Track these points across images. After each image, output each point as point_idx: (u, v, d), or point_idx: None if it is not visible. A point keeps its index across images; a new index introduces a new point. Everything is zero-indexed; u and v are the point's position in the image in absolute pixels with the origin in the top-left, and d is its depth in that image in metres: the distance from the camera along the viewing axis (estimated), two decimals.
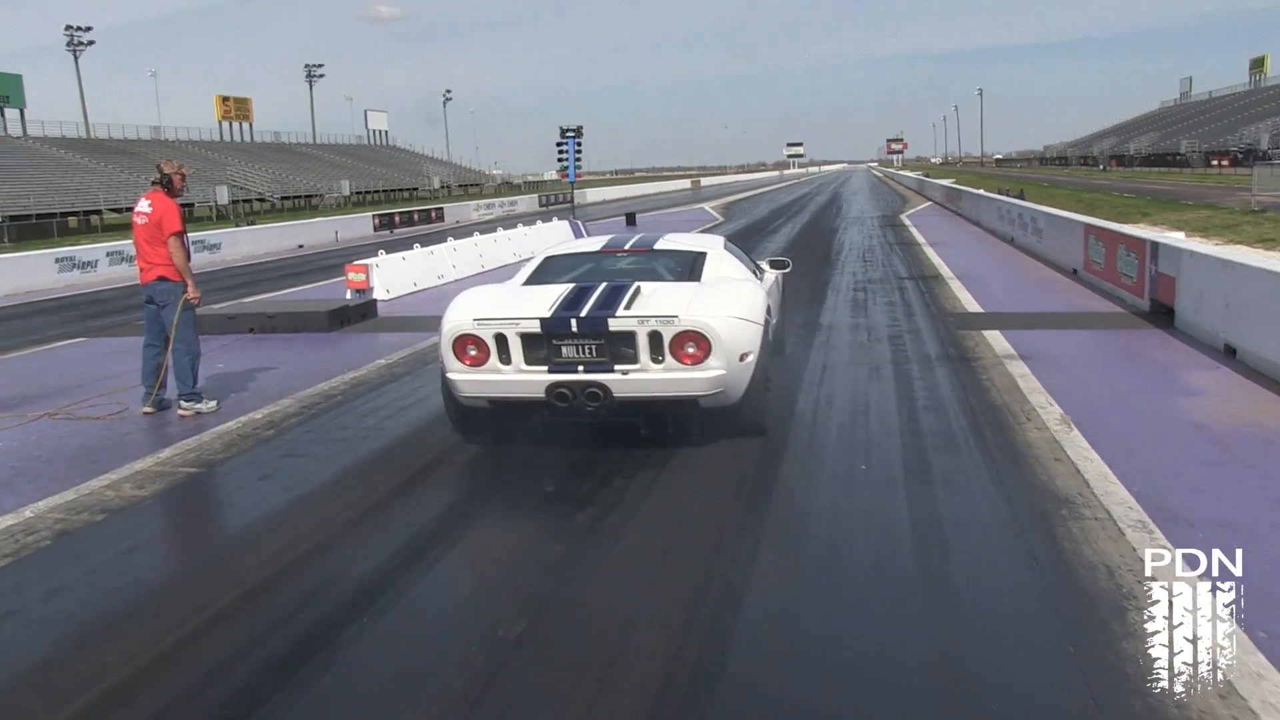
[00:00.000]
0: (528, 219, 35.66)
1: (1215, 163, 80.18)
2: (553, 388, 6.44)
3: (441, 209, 50.08)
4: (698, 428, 6.89)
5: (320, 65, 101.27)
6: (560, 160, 31.79)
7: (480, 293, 7.47)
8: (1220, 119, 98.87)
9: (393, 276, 16.55)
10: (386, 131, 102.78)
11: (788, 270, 9.90)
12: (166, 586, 4.98)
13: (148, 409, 8.44)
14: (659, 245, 8.52)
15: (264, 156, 79.61)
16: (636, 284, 7.04)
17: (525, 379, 6.51)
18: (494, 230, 24.47)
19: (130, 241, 9.38)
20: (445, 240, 19.79)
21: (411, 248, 18.81)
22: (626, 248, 8.49)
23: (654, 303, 6.67)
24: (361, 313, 13.79)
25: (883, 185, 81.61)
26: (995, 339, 10.52)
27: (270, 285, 20.72)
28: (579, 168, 32.15)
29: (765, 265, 9.56)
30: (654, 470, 6.42)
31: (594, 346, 6.44)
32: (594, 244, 8.77)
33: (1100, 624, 4.13)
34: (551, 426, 7.01)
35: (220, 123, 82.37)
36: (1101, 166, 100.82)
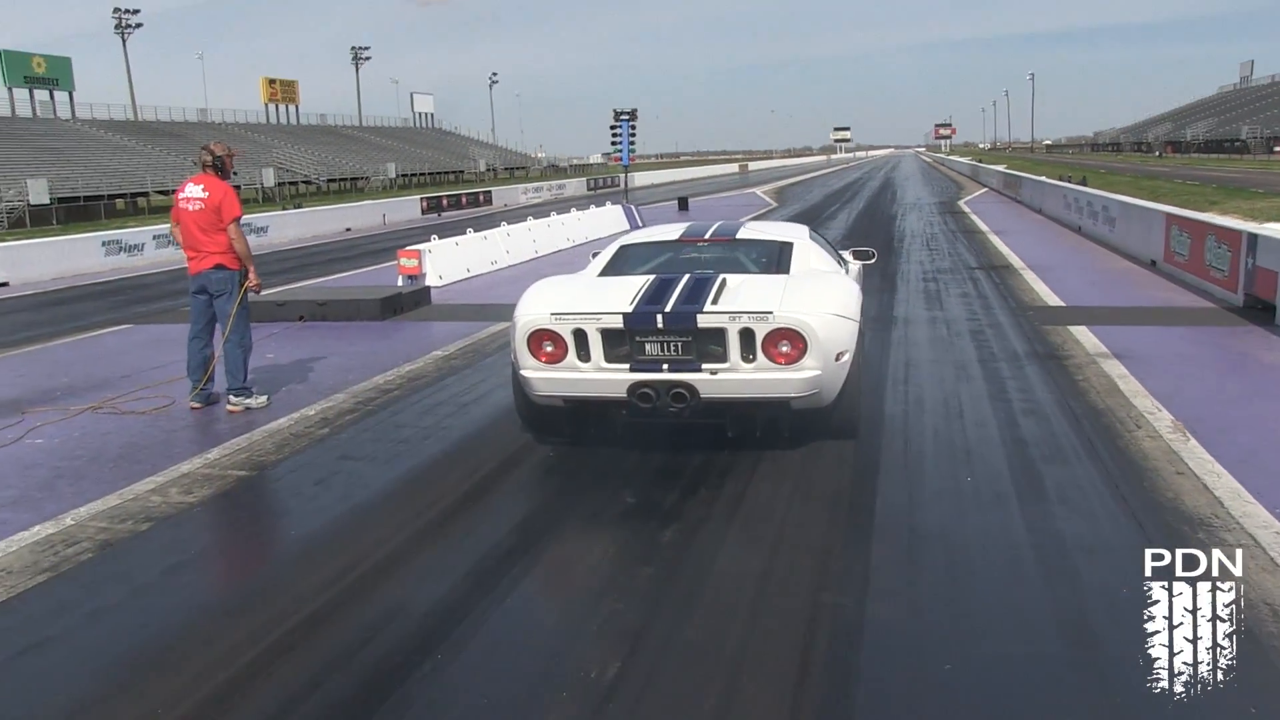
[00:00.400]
0: (577, 203, 35.26)
1: (1278, 149, 78.09)
2: (635, 387, 6.03)
3: (489, 192, 49.81)
4: (787, 430, 6.48)
5: (367, 48, 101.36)
6: (614, 144, 31.23)
7: (555, 284, 7.05)
8: None
9: (446, 262, 16.14)
10: (432, 114, 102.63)
11: (872, 261, 9.41)
12: (217, 611, 4.54)
13: (194, 404, 8.06)
14: (741, 234, 8.07)
15: (310, 139, 79.74)
16: (722, 276, 6.59)
17: (606, 378, 6.10)
18: (546, 215, 24.01)
19: (169, 226, 8.87)
20: (499, 225, 19.35)
21: (463, 232, 18.36)
22: (707, 237, 8.01)
23: (743, 297, 6.23)
24: (415, 300, 13.38)
25: (934, 171, 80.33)
26: (1083, 335, 9.91)
27: (319, 270, 20.40)
28: (633, 151, 31.60)
29: (849, 256, 9.05)
30: (741, 480, 5.94)
31: (680, 344, 6.03)
32: (671, 232, 8.32)
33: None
34: (629, 427, 6.59)
35: (266, 105, 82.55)
36: (1158, 153, 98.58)
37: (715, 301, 6.12)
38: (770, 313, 5.96)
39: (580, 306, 6.20)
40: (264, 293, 8.45)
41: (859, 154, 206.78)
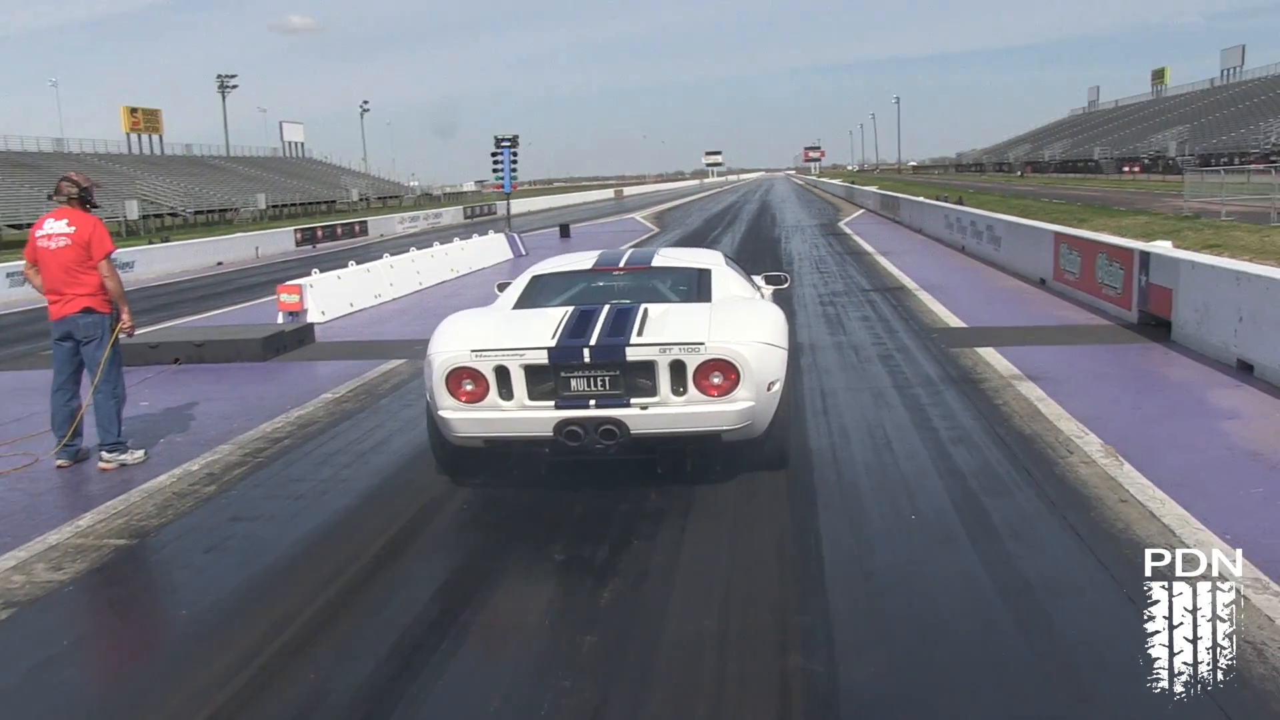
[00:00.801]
0: (455, 232, 34.56)
1: (1127, 169, 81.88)
2: (562, 425, 5.72)
3: (365, 222, 48.57)
4: (719, 464, 6.31)
5: (233, 76, 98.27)
6: (496, 170, 30.66)
7: (469, 319, 6.75)
8: (1127, 127, 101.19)
9: (328, 297, 15.40)
10: (302, 143, 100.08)
11: (785, 286, 9.21)
12: (97, 718, 3.92)
13: (61, 462, 7.28)
14: (656, 262, 7.87)
15: (175, 170, 76.81)
16: (643, 306, 6.38)
17: (530, 416, 5.79)
18: (426, 244, 23.35)
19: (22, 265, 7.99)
20: (381, 257, 18.61)
21: (343, 264, 17.60)
22: (621, 265, 7.82)
23: (670, 327, 5.99)
24: (298, 338, 12.66)
25: (808, 193, 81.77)
26: (993, 357, 9.85)
27: (192, 307, 19.31)
28: (515, 178, 31.08)
29: (761, 281, 8.82)
30: (675, 526, 5.57)
31: (607, 378, 5.76)
32: (583, 261, 8.04)
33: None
34: (553, 466, 6.27)
35: (128, 134, 79.18)
36: (1020, 173, 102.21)
37: (640, 333, 5.89)
38: (701, 344, 5.72)
39: (501, 342, 5.89)
40: (136, 333, 7.70)
41: (731, 177, 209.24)
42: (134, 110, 79.77)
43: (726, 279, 7.39)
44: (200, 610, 4.82)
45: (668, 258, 8.07)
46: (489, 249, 25.69)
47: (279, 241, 38.77)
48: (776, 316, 6.57)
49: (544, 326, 6.10)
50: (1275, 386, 8.10)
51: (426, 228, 53.16)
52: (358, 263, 17.78)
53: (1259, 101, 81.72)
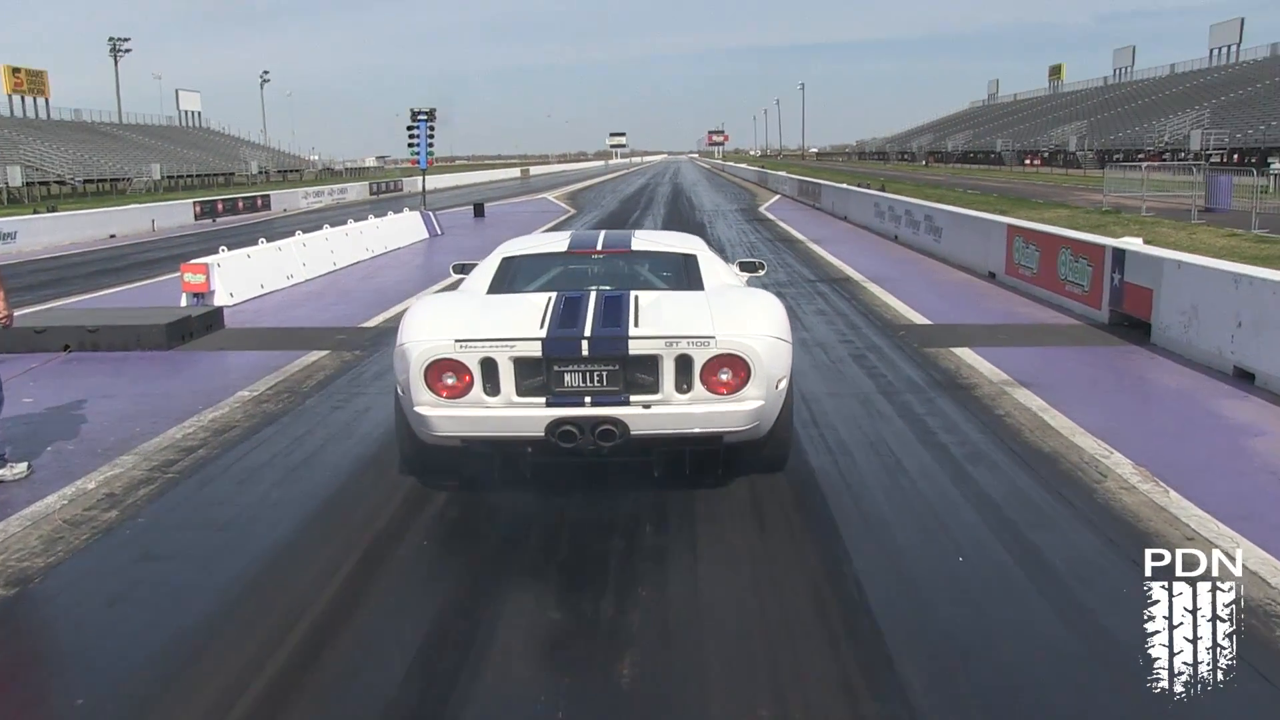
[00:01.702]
0: (360, 208, 33.06)
1: (1029, 161, 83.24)
2: (555, 425, 5.17)
3: (268, 196, 46.37)
4: (720, 468, 5.83)
5: (126, 39, 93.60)
6: (411, 145, 29.17)
7: (444, 304, 6.25)
8: (1027, 120, 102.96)
9: (237, 277, 14.07)
10: (199, 112, 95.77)
11: (761, 274, 8.47)
12: None
13: None
14: (636, 245, 7.31)
15: (63, 136, 72.73)
16: (633, 293, 5.90)
17: (519, 414, 5.23)
18: (331, 221, 22.04)
19: None
20: (293, 234, 17.26)
21: (248, 240, 16.28)
22: (599, 248, 7.29)
23: (667, 317, 5.52)
24: (206, 324, 11.41)
25: (718, 177, 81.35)
26: (973, 360, 9.19)
27: (83, 284, 17.60)
28: (431, 153, 29.67)
29: (735, 268, 8.04)
30: (685, 569, 4.75)
31: (605, 373, 5.25)
32: (555, 243, 7.49)
33: None
34: (522, 480, 5.68)
35: (10, 96, 74.75)
36: (924, 162, 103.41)
37: (638, 324, 5.41)
38: (712, 337, 5.26)
39: (487, 332, 5.33)
40: (18, 314, 6.51)
41: (635, 159, 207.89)
42: (16, 70, 75.17)
43: (714, 265, 6.92)
44: (104, 692, 3.73)
45: (646, 241, 7.54)
46: (404, 228, 24.39)
47: (177, 214, 36.61)
48: (779, 307, 6.06)
49: (528, 314, 5.53)
50: None
51: (331, 203, 51.16)
52: (268, 240, 16.42)
53: (1151, 100, 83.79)
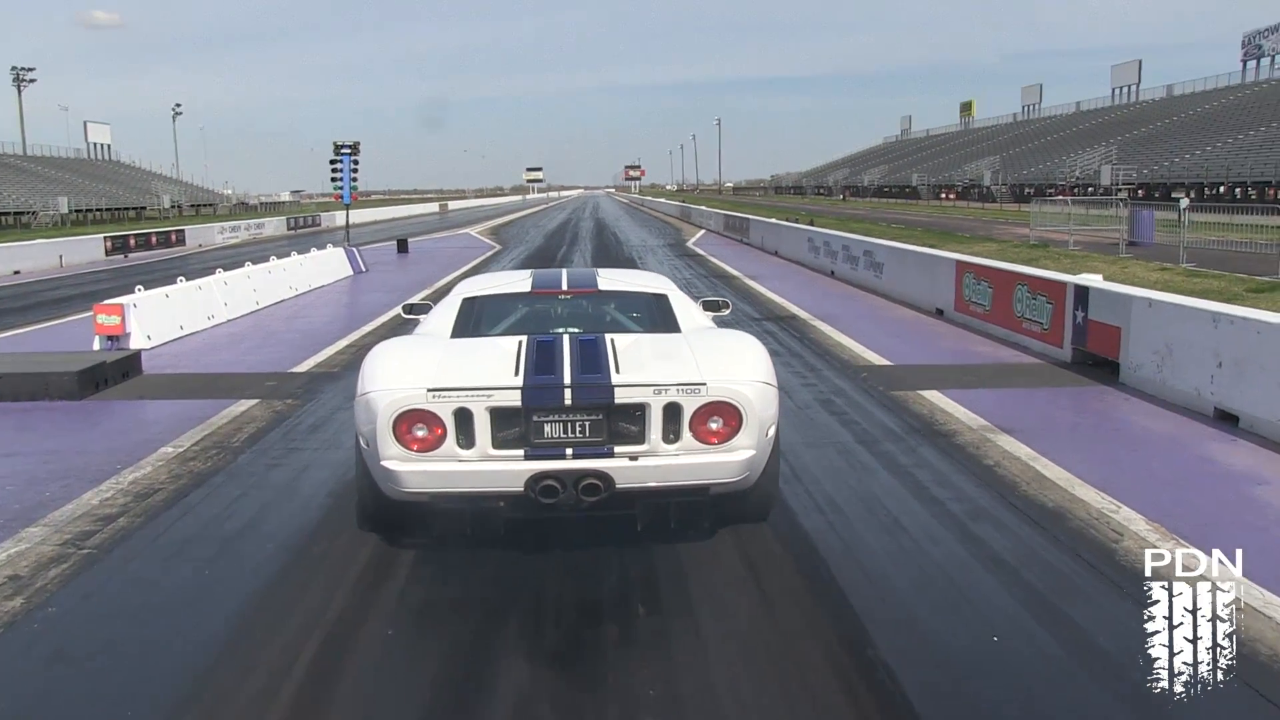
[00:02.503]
0: (279, 244, 31.95)
1: (944, 195, 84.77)
2: (536, 479, 4.84)
3: (182, 231, 44.75)
4: (706, 521, 5.53)
5: (31, 69, 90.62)
6: (335, 179, 28.22)
7: (409, 350, 5.77)
8: (940, 155, 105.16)
9: (155, 318, 13.16)
10: (109, 145, 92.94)
11: (725, 313, 8.05)
12: None
13: None
14: (603, 285, 6.98)
15: None
16: (608, 337, 5.59)
17: (497, 468, 4.89)
18: (250, 257, 21.15)
19: None
20: (214, 272, 16.33)
21: (167, 278, 15.38)
22: (564, 287, 6.92)
23: (650, 363, 5.24)
24: (122, 370, 10.55)
25: (638, 211, 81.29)
26: (945, 403, 8.82)
27: None
28: (355, 188, 28.77)
29: (700, 307, 7.62)
30: (691, 654, 4.23)
31: (589, 423, 4.94)
32: (516, 282, 7.14)
33: None
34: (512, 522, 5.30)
35: None
36: (842, 196, 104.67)
37: (619, 370, 5.11)
38: (703, 384, 4.99)
39: (461, 380, 5.00)
40: None
41: (552, 194, 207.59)
42: None
43: (687, 306, 6.66)
44: None
45: (613, 280, 7.24)
46: (328, 265, 23.48)
47: (86, 249, 35.05)
48: (762, 349, 5.75)
49: (500, 360, 5.24)
50: (1273, 441, 7.33)
51: (249, 239, 49.69)
52: (186, 278, 15.52)
53: (1060, 136, 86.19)
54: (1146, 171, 60.55)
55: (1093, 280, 10.88)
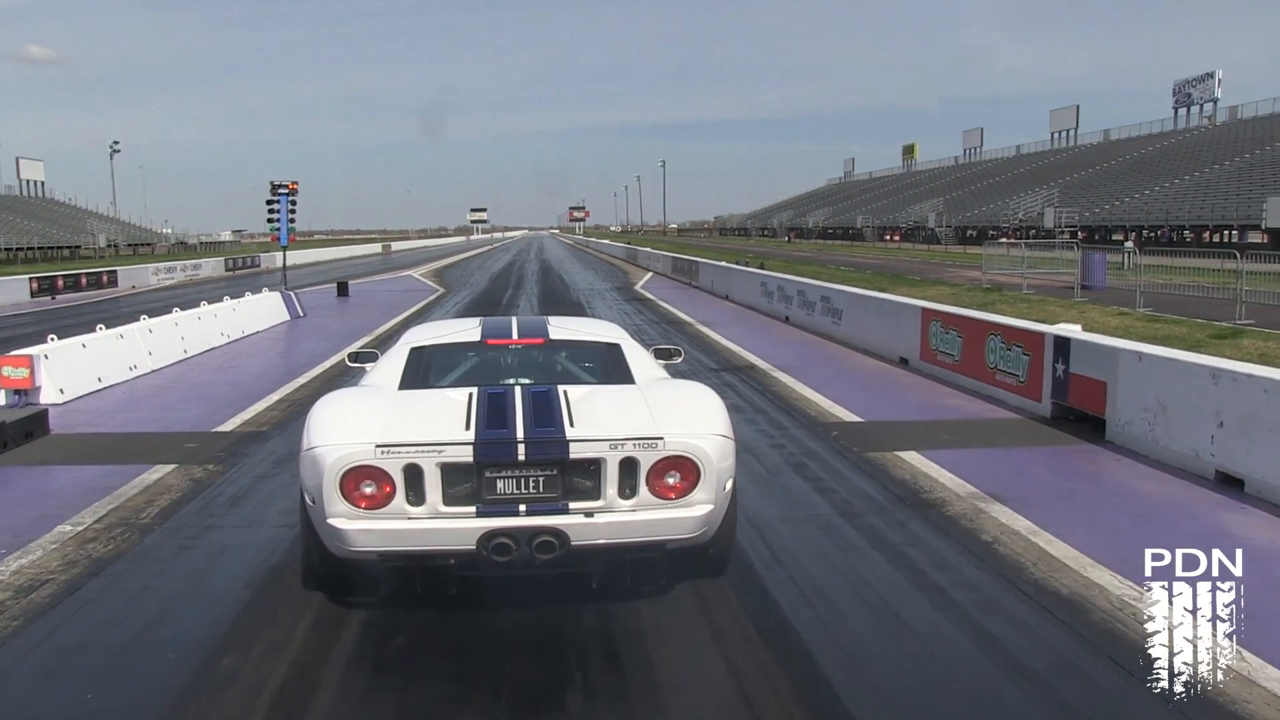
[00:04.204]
0: (216, 286, 30.83)
1: (888, 237, 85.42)
2: (489, 537, 4.75)
3: (115, 272, 43.15)
4: (663, 576, 5.37)
5: None
6: (271, 220, 27.20)
7: (354, 403, 5.67)
8: (884, 197, 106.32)
9: (69, 370, 12.15)
10: (43, 182, 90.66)
11: (678, 361, 7.75)
12: None
13: None
14: (554, 334, 6.77)
15: None
16: (560, 388, 5.46)
17: (448, 526, 4.79)
18: (184, 299, 20.11)
19: None
20: (138, 318, 15.32)
21: (91, 327, 14.33)
22: (515, 337, 6.72)
23: (603, 416, 5.13)
24: (25, 430, 9.56)
25: (584, 253, 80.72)
26: (926, 466, 8.19)
27: None
28: (293, 229, 27.79)
29: (651, 356, 7.05)
30: None
31: (542, 479, 4.85)
32: (465, 331, 6.88)
33: None
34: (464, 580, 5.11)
35: None
36: (787, 238, 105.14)
37: (573, 423, 5.01)
38: (660, 438, 4.91)
39: (411, 435, 4.87)
40: None
41: (497, 235, 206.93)
42: None
43: (640, 355, 6.54)
44: None
45: (564, 329, 7.03)
46: (263, 310, 22.42)
47: (11, 290, 33.59)
48: (718, 400, 5.70)
49: (450, 413, 5.12)
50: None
51: (185, 279, 48.23)
52: (108, 326, 14.51)
53: (1002, 179, 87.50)
54: (1089, 214, 61.37)
55: (1073, 331, 10.37)
